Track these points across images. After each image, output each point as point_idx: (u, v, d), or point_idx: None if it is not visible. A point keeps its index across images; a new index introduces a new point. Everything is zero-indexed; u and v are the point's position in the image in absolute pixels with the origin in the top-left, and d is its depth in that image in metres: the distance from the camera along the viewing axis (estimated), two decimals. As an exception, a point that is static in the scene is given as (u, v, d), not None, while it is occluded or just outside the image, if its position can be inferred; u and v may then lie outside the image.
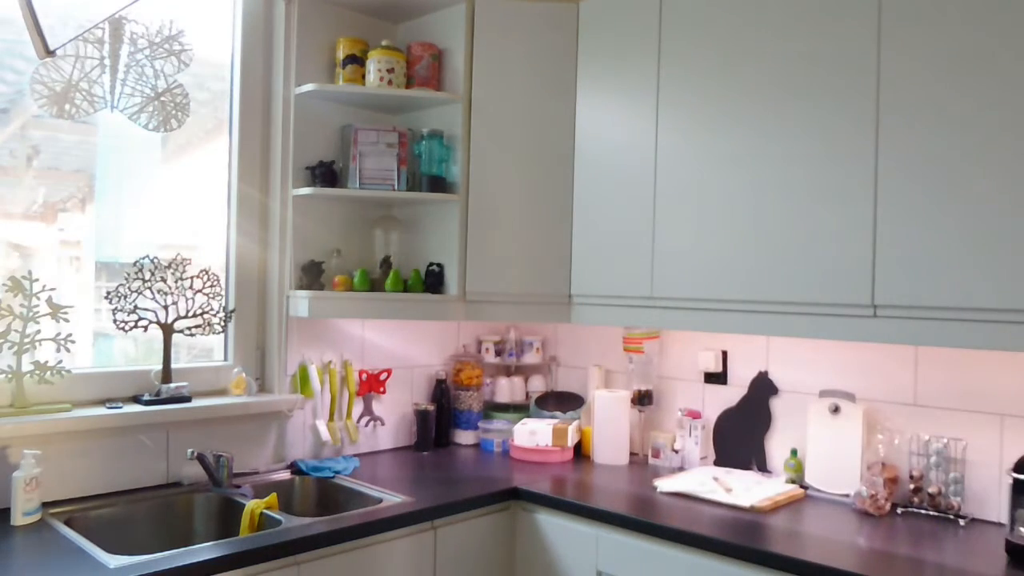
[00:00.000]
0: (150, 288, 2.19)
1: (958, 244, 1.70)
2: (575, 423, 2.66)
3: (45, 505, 1.88)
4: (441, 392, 2.80)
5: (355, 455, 2.57)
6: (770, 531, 1.85)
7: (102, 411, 2.04)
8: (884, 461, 2.10)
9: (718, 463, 2.48)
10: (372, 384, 2.63)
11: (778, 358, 2.38)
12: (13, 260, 2.10)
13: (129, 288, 2.16)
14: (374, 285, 2.47)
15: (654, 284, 2.24)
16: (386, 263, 2.54)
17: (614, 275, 2.34)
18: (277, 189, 2.44)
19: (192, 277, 2.27)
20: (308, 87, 2.39)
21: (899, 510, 2.05)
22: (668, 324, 2.24)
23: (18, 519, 1.79)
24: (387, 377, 2.67)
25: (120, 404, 2.10)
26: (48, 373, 1.97)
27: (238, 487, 2.15)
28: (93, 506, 1.97)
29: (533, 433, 2.59)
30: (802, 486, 2.23)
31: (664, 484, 2.21)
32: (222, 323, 2.33)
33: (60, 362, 1.99)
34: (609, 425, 2.58)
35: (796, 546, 1.74)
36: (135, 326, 2.17)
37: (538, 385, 2.96)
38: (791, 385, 2.35)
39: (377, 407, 2.66)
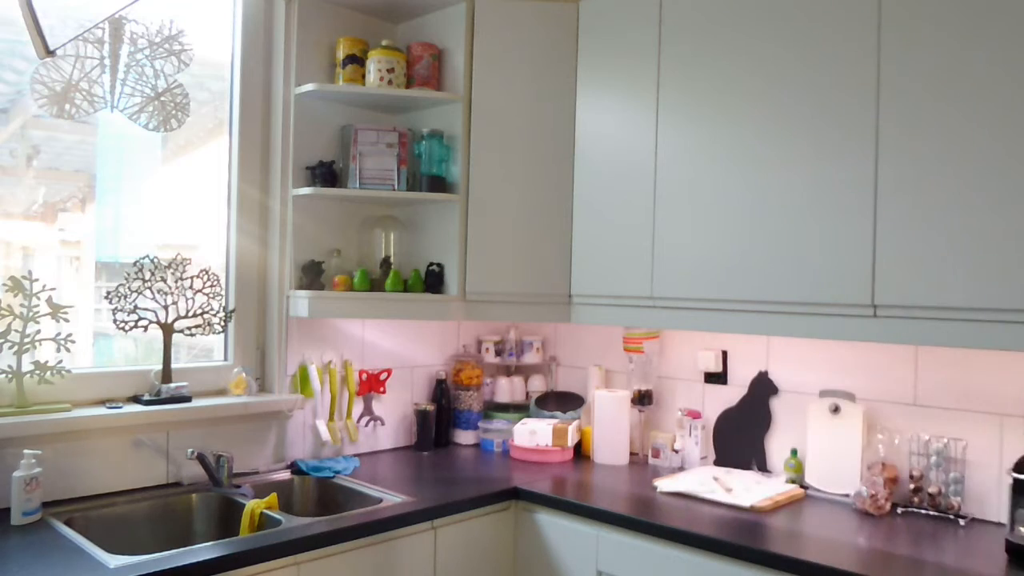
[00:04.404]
0: (150, 288, 2.19)
1: (958, 244, 1.70)
2: (575, 423, 2.66)
3: (45, 505, 1.88)
4: (441, 392, 2.80)
5: (355, 455, 2.57)
6: (770, 531, 1.85)
7: (102, 411, 2.04)
8: (884, 461, 2.10)
9: (718, 463, 2.48)
10: (372, 384, 2.63)
11: (778, 358, 2.38)
12: (13, 260, 2.10)
13: (129, 288, 2.16)
14: (374, 285, 2.47)
15: (654, 284, 2.24)
16: (386, 263, 2.54)
17: (614, 275, 2.34)
18: (277, 189, 2.44)
19: (192, 277, 2.27)
20: (308, 87, 2.39)
21: (899, 510, 2.05)
22: (668, 324, 2.24)
23: (18, 519, 1.79)
24: (387, 377, 2.67)
25: (120, 404, 2.10)
26: (48, 373, 1.97)
27: (238, 487, 2.15)
28: (93, 506, 1.97)
29: (533, 433, 2.59)
30: (802, 486, 2.23)
31: (664, 484, 2.21)
32: (222, 323, 2.33)
33: (60, 362, 1.99)
34: (609, 425, 2.58)
35: (796, 546, 1.74)
36: (135, 326, 2.16)
37: (538, 385, 2.96)
38: (791, 385, 2.35)
39: (377, 407, 2.66)
